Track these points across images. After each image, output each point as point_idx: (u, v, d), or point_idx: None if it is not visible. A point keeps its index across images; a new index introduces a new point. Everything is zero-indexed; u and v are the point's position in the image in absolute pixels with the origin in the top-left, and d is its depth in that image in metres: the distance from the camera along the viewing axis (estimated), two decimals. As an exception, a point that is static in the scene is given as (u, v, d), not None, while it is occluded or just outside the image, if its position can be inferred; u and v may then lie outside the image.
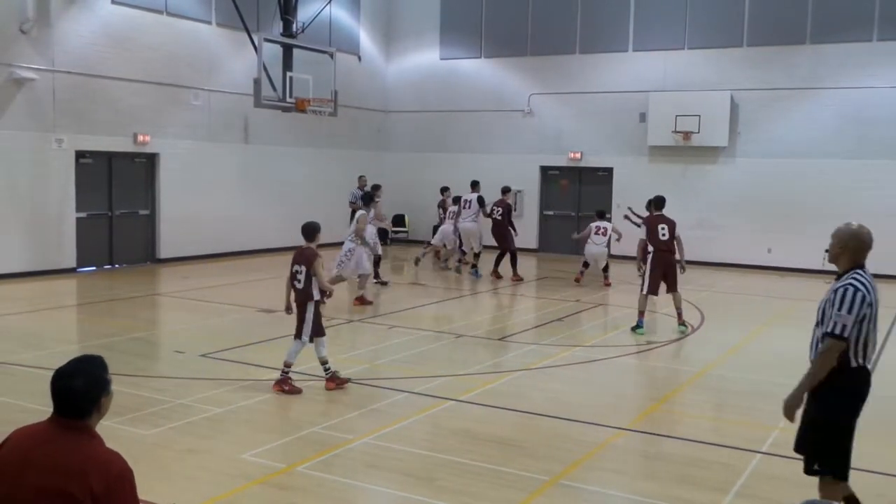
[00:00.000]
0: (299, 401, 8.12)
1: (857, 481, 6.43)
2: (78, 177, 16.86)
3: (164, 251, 18.71)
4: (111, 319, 12.12)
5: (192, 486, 5.95)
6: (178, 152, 18.81)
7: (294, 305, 8.55)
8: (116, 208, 17.89)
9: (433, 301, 14.67)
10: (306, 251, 8.41)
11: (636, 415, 8.00)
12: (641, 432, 7.47)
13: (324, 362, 8.51)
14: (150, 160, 18.54)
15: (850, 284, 4.76)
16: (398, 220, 24.72)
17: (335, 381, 8.47)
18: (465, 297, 15.18)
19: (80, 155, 16.95)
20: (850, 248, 4.86)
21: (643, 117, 21.32)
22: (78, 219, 16.85)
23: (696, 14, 20.86)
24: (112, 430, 7.10)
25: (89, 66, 16.89)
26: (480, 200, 17.52)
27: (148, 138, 18.07)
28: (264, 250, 20.57)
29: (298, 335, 8.46)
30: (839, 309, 4.72)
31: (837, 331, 4.71)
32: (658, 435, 7.31)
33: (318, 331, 8.51)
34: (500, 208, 17.25)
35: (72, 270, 16.72)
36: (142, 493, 5.77)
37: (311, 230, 8.49)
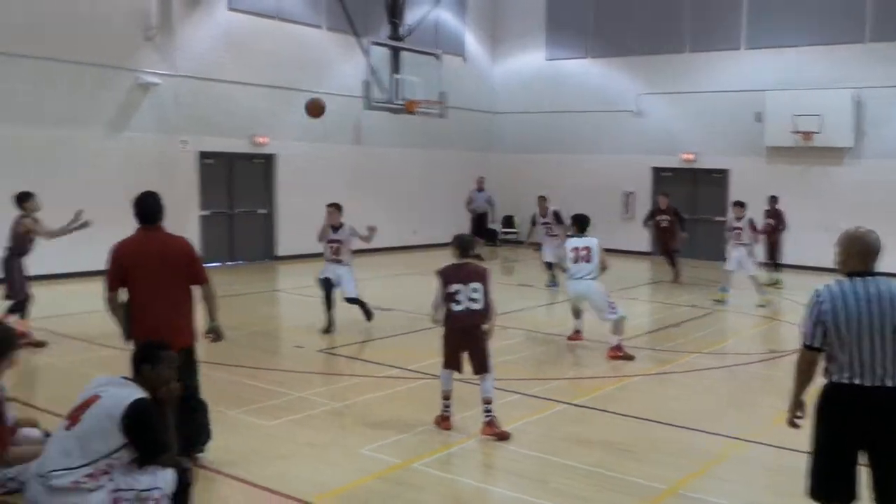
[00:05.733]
0: (414, 399, 8.20)
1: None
2: (201, 177, 17.57)
3: (282, 248, 19.27)
4: (232, 314, 12.40)
5: (313, 478, 6.09)
6: (293, 153, 19.35)
7: (462, 333, 7.18)
8: (236, 207, 18.54)
9: (545, 303, 14.57)
10: (477, 267, 7.29)
11: (759, 425, 7.72)
12: (765, 444, 7.20)
13: (487, 402, 7.18)
14: (268, 161, 19.14)
15: (816, 289, 4.55)
16: (507, 222, 24.72)
17: (493, 428, 7.08)
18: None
19: (203, 156, 17.65)
20: (844, 254, 4.59)
21: (759, 117, 20.58)
22: (201, 216, 17.56)
23: (814, 8, 19.97)
24: (234, 419, 7.38)
25: (209, 71, 17.57)
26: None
27: (266, 140, 18.66)
28: (375, 250, 20.85)
29: (486, 368, 7.22)
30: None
31: (800, 339, 4.57)
32: (783, 448, 7.02)
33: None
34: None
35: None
36: (265, 482, 5.98)
37: (472, 243, 7.61)
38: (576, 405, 8.16)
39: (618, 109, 22.91)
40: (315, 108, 11.15)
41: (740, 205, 14.85)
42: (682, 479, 6.31)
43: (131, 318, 5.88)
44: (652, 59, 22.38)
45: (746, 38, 20.94)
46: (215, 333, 6.25)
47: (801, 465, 6.69)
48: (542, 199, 16.29)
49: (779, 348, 11.13)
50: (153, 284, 5.80)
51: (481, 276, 7.18)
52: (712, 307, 14.20)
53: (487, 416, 7.10)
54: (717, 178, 21.68)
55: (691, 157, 21.88)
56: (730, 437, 7.34)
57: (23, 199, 10.12)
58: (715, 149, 21.56)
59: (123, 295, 5.94)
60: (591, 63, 23.48)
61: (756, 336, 12.40)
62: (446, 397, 7.30)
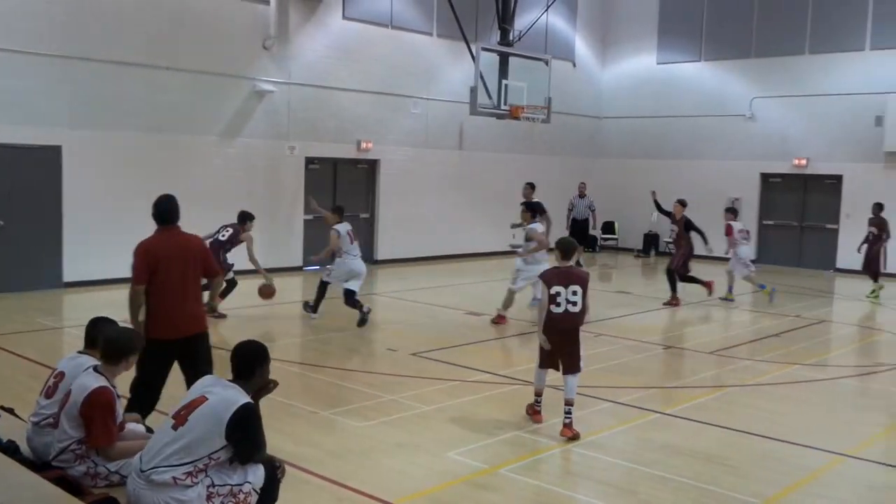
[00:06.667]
0: (504, 405, 8.24)
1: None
2: (307, 182, 18.11)
3: (381, 253, 19.63)
4: (330, 316, 12.88)
5: (400, 479, 6.22)
6: (396, 158, 19.71)
7: (560, 334, 7.42)
8: (340, 211, 18.97)
9: (641, 311, 14.37)
10: (578, 271, 7.64)
11: (860, 441, 7.44)
12: (865, 460, 6.94)
13: (569, 403, 7.37)
14: (371, 166, 19.55)
15: None
16: (608, 228, 24.45)
17: (571, 430, 7.25)
18: (674, 308, 14.72)
19: (309, 161, 18.19)
20: None
21: (879, 121, 19.71)
22: (305, 221, 18.10)
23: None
24: (327, 419, 7.61)
25: (320, 79, 18.09)
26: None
27: (370, 145, 19.07)
28: (476, 254, 21.04)
29: (577, 368, 7.48)
30: None
31: None
32: (886, 465, 6.77)
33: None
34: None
35: (298, 269, 17.96)
36: (353, 482, 6.15)
37: (575, 247, 7.78)
38: (669, 415, 8.05)
39: (729, 114, 22.34)
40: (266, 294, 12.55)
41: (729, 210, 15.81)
42: (778, 494, 6.16)
43: (152, 310, 6.45)
44: (768, 61, 21.71)
45: (872, 38, 20.06)
46: (210, 309, 7.26)
47: (900, 484, 6.46)
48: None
49: (886, 362, 10.65)
50: (176, 279, 6.47)
51: (582, 280, 7.45)
52: (812, 318, 13.71)
53: (568, 417, 7.30)
54: (829, 185, 20.87)
55: (803, 162, 21.12)
56: (829, 451, 7.12)
57: (248, 218, 12.73)
58: (829, 154, 20.77)
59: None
60: (704, 66, 22.97)
61: (861, 349, 11.89)
62: (538, 394, 7.65)
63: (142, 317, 6.45)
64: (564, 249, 7.62)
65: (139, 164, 15.19)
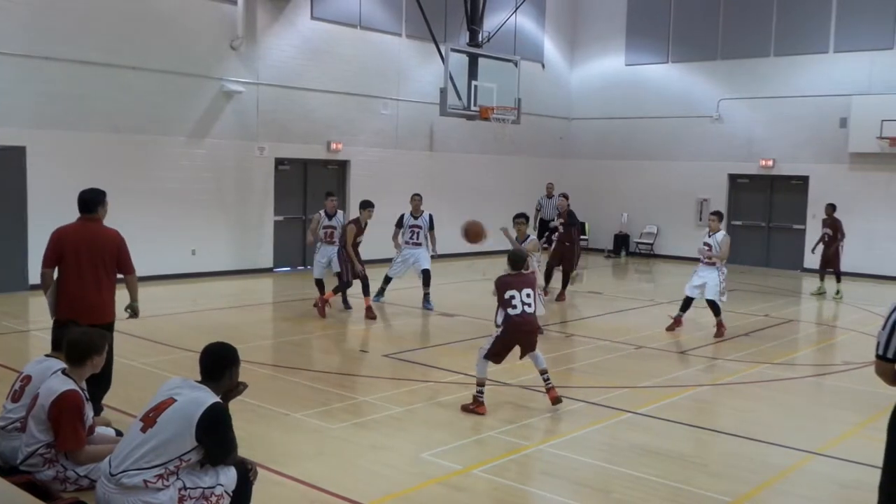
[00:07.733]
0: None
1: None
2: (276, 183, 17.98)
3: (352, 254, 19.53)
4: (303, 317, 12.81)
5: (374, 481, 6.19)
6: (367, 159, 19.65)
7: (519, 334, 8.01)
8: (310, 212, 18.86)
9: (612, 311, 14.45)
10: (528, 276, 8.31)
11: (830, 439, 7.53)
12: (836, 458, 7.02)
13: (544, 372, 8.20)
14: (342, 167, 19.46)
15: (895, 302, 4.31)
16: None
17: (555, 392, 8.08)
18: (645, 307, 14.84)
19: (279, 162, 18.07)
20: None
21: (844, 122, 20.01)
22: (276, 222, 17.98)
23: (907, 9, 19.31)
24: (299, 421, 7.55)
25: (289, 79, 17.98)
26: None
27: (340, 146, 18.99)
28: (446, 255, 20.99)
29: (535, 348, 8.24)
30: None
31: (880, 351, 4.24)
32: (855, 462, 6.84)
33: None
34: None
35: (269, 270, 17.83)
36: (327, 484, 6.10)
37: (524, 259, 8.43)
38: (641, 414, 8.08)
39: (697, 115, 22.55)
40: (473, 234, 12.28)
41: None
42: (749, 492, 6.20)
43: (60, 293, 6.82)
44: (734, 63, 21.95)
45: (835, 41, 20.34)
46: (133, 311, 7.20)
47: (872, 479, 6.53)
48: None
49: (852, 360, 10.80)
50: (83, 267, 6.80)
51: (532, 283, 8.24)
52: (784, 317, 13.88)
53: (548, 383, 8.08)
54: (796, 185, 21.15)
55: (770, 163, 21.38)
56: (799, 449, 7.18)
57: (365, 206, 13.34)
58: (795, 155, 21.04)
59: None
60: (672, 67, 23.17)
61: (829, 347, 12.06)
62: (481, 384, 8.04)
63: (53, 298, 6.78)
64: (515, 261, 8.33)
65: (106, 165, 14.97)
